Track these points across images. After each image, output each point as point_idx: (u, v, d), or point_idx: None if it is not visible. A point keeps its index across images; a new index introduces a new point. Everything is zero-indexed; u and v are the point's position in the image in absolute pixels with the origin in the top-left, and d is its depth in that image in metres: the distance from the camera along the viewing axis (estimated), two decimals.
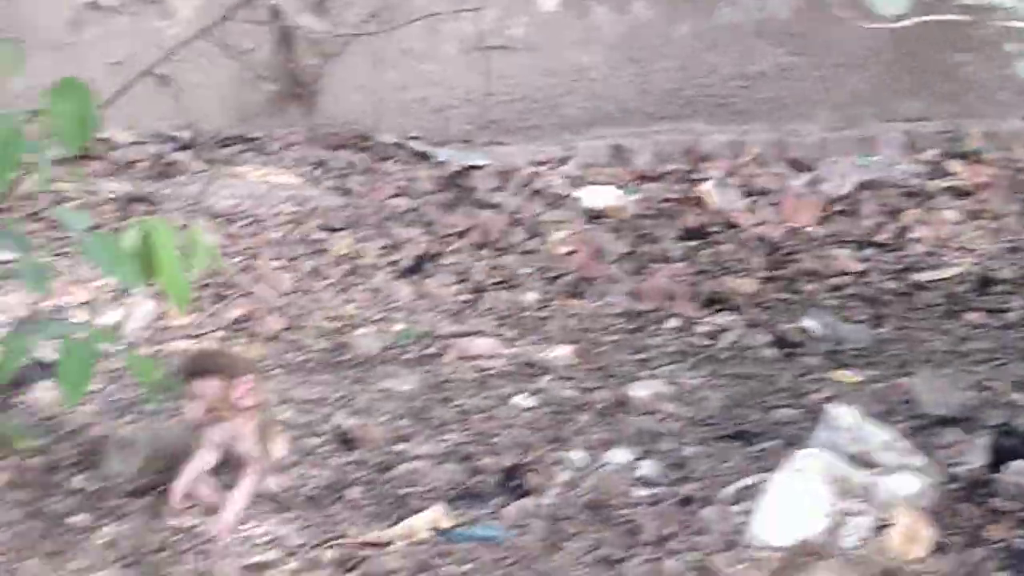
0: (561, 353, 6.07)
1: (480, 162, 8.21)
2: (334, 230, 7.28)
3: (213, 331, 6.32)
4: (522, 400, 5.56)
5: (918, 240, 7.47)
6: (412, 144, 8.31)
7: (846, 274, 7.04)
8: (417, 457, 5.01)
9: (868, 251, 7.35)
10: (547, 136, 8.64)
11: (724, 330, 6.36)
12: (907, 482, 4.42)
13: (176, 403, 5.30)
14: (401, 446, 5.15)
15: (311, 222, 7.33)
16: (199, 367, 4.67)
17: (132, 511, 4.65)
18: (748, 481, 4.53)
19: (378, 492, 4.78)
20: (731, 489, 4.54)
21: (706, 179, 8.16)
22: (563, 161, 8.44)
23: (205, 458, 4.57)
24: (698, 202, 7.90)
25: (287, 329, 6.37)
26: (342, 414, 5.46)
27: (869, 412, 4.83)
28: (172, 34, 8.17)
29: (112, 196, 7.38)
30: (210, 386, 4.56)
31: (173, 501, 4.51)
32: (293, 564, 4.26)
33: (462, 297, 6.75)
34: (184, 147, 8.15)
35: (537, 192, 7.95)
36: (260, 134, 8.34)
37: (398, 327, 6.42)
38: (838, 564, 4.04)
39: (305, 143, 8.24)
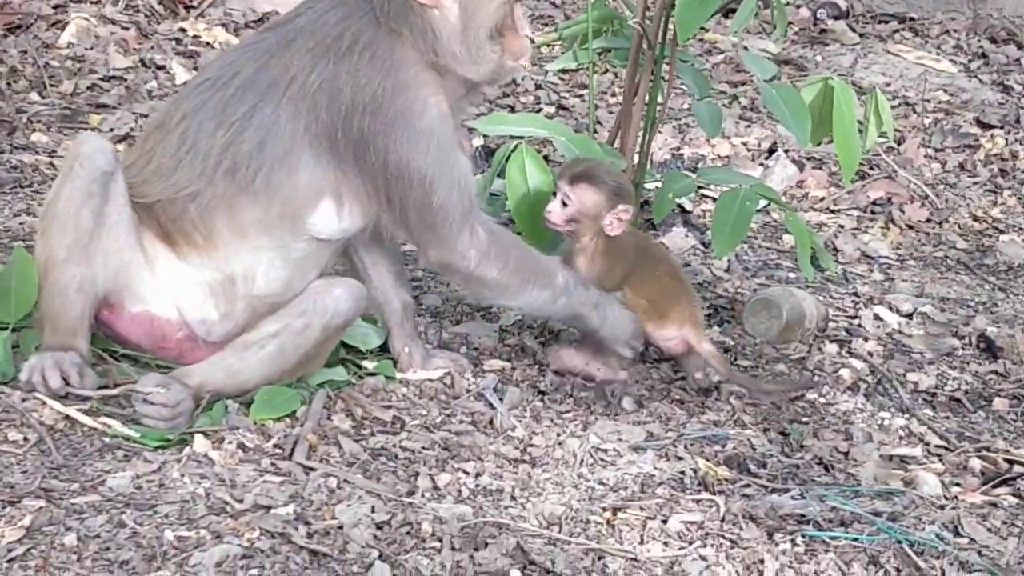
0: None
1: None
2: (988, 127, 6.82)
3: (849, 209, 6.05)
4: None
5: None
6: None
7: None
8: None
9: None
10: None
11: None
12: None
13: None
14: None
15: (964, 114, 6.90)
16: (588, 174, 4.28)
17: (764, 374, 4.51)
18: None
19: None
20: None
21: None
22: None
23: None
24: None
25: (927, 221, 6.02)
26: (984, 320, 5.09)
27: None
28: None
29: (766, 55, 7.19)
30: (589, 198, 4.24)
31: None
32: (937, 466, 3.98)
33: None
34: (839, 16, 7.85)
35: None
36: (918, 15, 7.93)
37: None
38: None
39: (967, 32, 7.76)
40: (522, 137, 4.54)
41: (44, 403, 3.81)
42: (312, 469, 3.69)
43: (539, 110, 6.56)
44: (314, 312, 3.98)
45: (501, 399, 4.17)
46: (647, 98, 4.84)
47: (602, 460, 3.90)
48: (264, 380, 3.96)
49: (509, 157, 4.48)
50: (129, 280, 4.01)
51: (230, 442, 3.77)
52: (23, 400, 3.83)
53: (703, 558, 3.47)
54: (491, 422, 4.05)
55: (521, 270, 4.09)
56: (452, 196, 3.97)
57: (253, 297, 4.05)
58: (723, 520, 3.62)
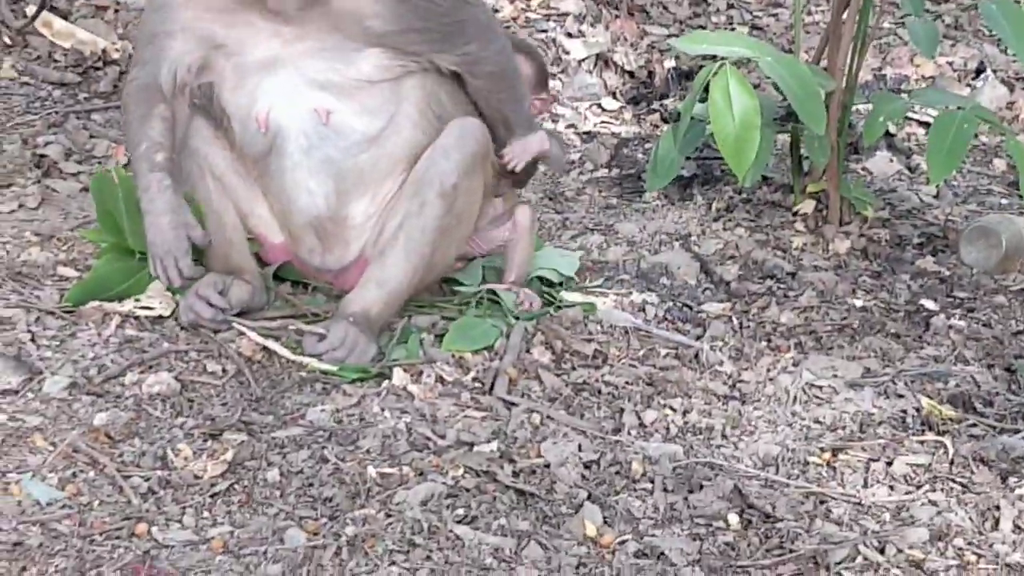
0: None
1: None
2: None
3: None
4: None
5: None
6: None
7: None
8: None
9: None
10: None
11: None
12: None
13: None
14: None
15: None
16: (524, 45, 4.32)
17: (983, 306, 4.26)
18: None
19: None
20: None
21: None
22: None
23: None
24: None
25: None
26: None
27: None
28: None
29: None
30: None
31: None
32: None
33: None
34: None
35: None
36: None
37: None
38: None
39: None
40: (724, 57, 4.31)
41: (242, 334, 3.74)
42: (514, 404, 3.56)
43: (732, 30, 6.32)
44: (422, 185, 3.84)
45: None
46: (856, 16, 4.58)
47: (817, 397, 3.70)
48: (414, 275, 3.84)
49: (711, 79, 4.27)
50: (253, 207, 3.95)
51: (428, 375, 3.66)
52: (216, 332, 3.76)
53: (933, 503, 3.26)
54: (696, 356, 3.87)
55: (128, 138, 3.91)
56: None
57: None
58: (952, 463, 3.41)
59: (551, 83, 4.79)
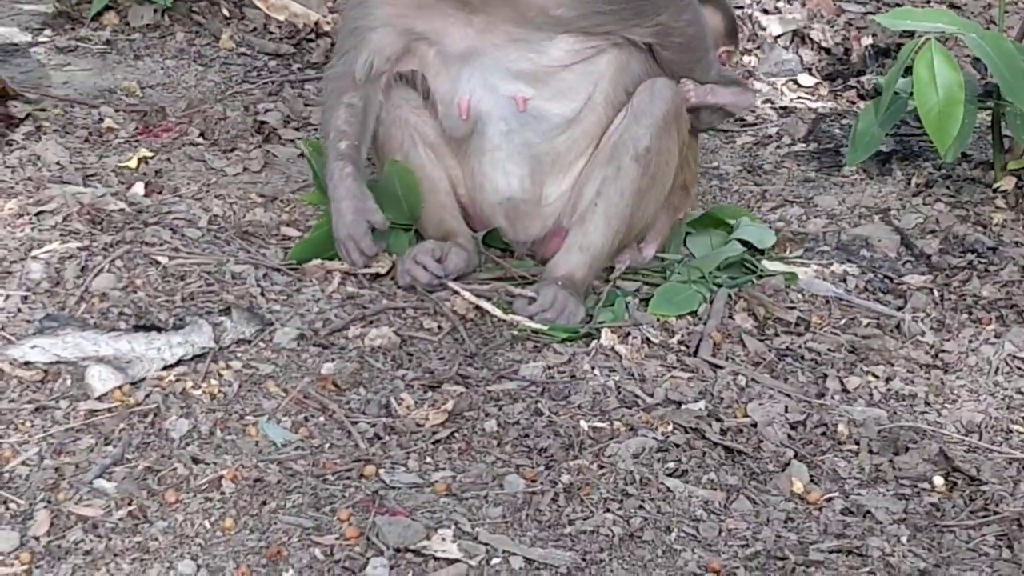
0: None
1: None
2: None
3: None
4: None
5: None
6: None
7: None
8: None
9: None
10: None
11: None
12: None
13: None
14: None
15: None
16: None
17: None
18: None
19: None
20: None
21: None
22: None
23: None
24: None
25: None
26: None
27: None
28: None
29: None
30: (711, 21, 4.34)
31: None
32: None
33: None
34: None
35: None
36: None
37: None
38: None
39: None
40: (925, 34, 4.35)
41: (456, 294, 3.89)
42: (719, 367, 3.67)
43: (929, 7, 6.31)
44: (617, 149, 3.93)
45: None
46: None
47: (1019, 369, 3.75)
48: (615, 238, 3.96)
49: (916, 54, 4.31)
50: (460, 175, 4.08)
51: (635, 337, 3.78)
52: (431, 291, 3.92)
53: None
54: (898, 326, 3.94)
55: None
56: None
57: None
58: None
59: (739, 36, 4.98)
